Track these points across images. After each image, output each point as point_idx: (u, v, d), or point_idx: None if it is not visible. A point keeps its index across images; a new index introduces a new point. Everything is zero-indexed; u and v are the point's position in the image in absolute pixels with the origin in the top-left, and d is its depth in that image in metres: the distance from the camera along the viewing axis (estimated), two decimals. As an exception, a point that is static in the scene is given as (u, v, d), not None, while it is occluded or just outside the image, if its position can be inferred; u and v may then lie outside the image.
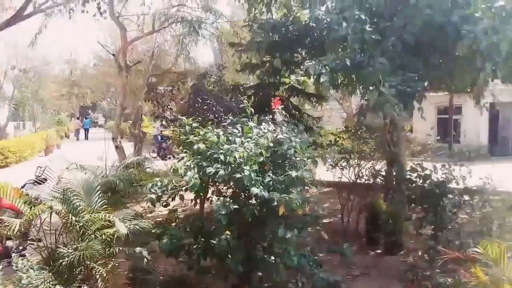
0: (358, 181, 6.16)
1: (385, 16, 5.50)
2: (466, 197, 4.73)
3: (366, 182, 6.10)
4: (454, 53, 4.71)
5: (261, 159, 3.68)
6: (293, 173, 3.45)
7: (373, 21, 5.43)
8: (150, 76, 10.32)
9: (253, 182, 3.40)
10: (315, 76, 4.74)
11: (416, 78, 4.81)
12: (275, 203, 3.28)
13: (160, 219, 5.20)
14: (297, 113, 7.42)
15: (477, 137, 15.23)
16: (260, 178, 3.52)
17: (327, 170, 6.06)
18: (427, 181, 4.71)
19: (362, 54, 4.90)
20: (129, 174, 5.03)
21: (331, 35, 5.06)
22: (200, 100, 6.47)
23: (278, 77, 6.76)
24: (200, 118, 5.90)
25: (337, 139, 6.13)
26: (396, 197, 5.12)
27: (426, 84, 6.18)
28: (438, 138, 16.82)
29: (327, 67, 4.76)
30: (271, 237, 3.47)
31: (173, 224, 4.32)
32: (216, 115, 6.06)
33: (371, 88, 4.62)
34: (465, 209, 4.74)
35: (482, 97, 8.29)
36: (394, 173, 5.46)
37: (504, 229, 5.54)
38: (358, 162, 6.01)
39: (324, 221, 7.46)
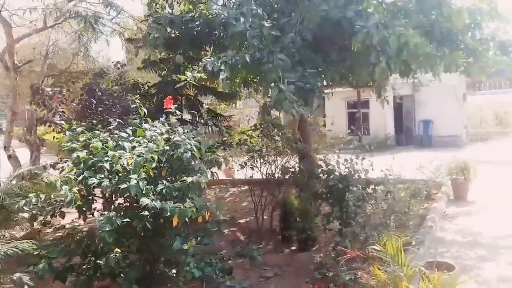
0: (272, 178, 6.08)
1: (285, 12, 5.46)
2: (370, 190, 4.82)
3: (279, 178, 6.05)
4: (352, 49, 4.79)
5: (154, 164, 3.34)
6: (188, 179, 3.17)
7: (273, 17, 5.37)
8: (46, 77, 9.35)
9: (143, 192, 3.06)
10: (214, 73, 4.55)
11: (315, 74, 4.81)
12: (168, 213, 2.98)
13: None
14: (209, 113, 7.16)
15: (384, 128, 16.25)
16: (152, 186, 3.19)
17: (237, 170, 5.89)
18: (331, 176, 4.71)
19: (262, 50, 4.80)
20: (20, 187, 4.41)
21: (229, 31, 4.89)
22: (95, 101, 5.90)
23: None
24: (94, 121, 5.42)
25: (246, 137, 5.98)
26: (303, 193, 5.08)
27: (328, 80, 6.30)
28: (349, 131, 17.67)
29: (226, 64, 4.59)
30: (168, 250, 3.16)
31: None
32: (115, 117, 5.56)
33: (272, 85, 4.55)
34: (370, 202, 4.85)
35: (383, 91, 8.74)
36: (302, 169, 5.43)
37: (408, 218, 5.82)
38: (269, 159, 5.91)
39: (241, 221, 7.34)
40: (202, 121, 6.63)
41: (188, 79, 4.09)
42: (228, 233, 6.61)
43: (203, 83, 6.93)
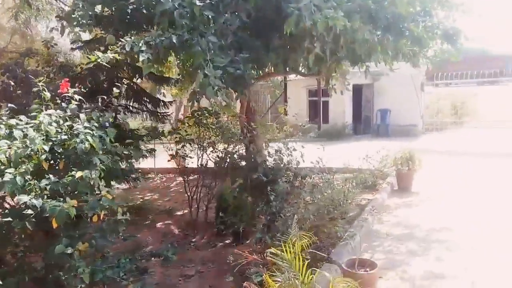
0: (206, 168, 5.78)
1: (219, -10, 5.10)
2: (298, 182, 4.61)
3: (215, 169, 5.76)
4: (285, 33, 4.50)
5: (44, 156, 2.96)
6: (78, 173, 2.82)
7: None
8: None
9: (23, 188, 2.69)
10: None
11: (248, 59, 4.51)
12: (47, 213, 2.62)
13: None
14: (145, 97, 6.73)
15: (343, 117, 16.24)
16: (37, 182, 2.81)
17: (168, 161, 5.55)
18: (262, 167, 4.46)
19: (192, 32, 4.45)
20: None
21: (156, 9, 4.49)
22: (14, 84, 5.36)
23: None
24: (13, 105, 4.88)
25: (181, 126, 5.64)
26: (232, 185, 4.82)
27: (270, 66, 6.02)
28: (308, 119, 17.61)
29: (149, 44, 4.21)
30: (51, 254, 2.81)
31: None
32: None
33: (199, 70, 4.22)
34: (301, 194, 4.65)
35: (334, 80, 8.56)
36: (230, 159, 5.14)
37: (345, 210, 5.69)
38: (204, 149, 5.61)
39: (179, 212, 7.03)
40: (134, 106, 6.21)
41: (99, 60, 3.70)
42: (162, 226, 6.34)
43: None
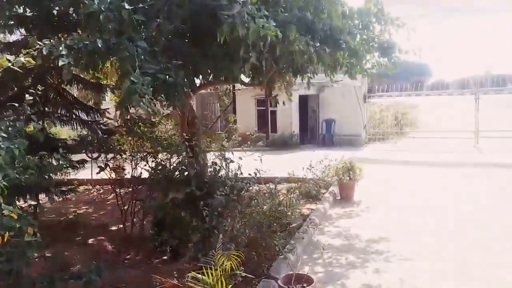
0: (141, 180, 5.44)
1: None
2: (235, 194, 4.42)
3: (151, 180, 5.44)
4: (219, 41, 4.34)
5: None
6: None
7: (138, -1, 4.74)
8: None
9: None
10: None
11: (181, 66, 4.29)
12: None
13: None
14: (76, 105, 6.28)
15: (290, 127, 16.36)
16: None
17: (97, 173, 5.17)
18: (194, 180, 4.22)
19: (120, 36, 4.16)
20: None
21: (81, 11, 4.17)
22: None
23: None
24: None
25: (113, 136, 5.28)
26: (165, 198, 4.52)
27: (207, 75, 5.85)
28: (257, 129, 17.59)
29: (72, 49, 3.87)
30: None
31: None
32: None
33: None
34: (237, 207, 4.46)
35: (279, 90, 8.54)
36: (161, 171, 4.84)
37: (285, 222, 5.57)
38: (138, 159, 5.27)
39: (113, 228, 6.60)
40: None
41: (10, 65, 3.32)
42: (95, 242, 5.91)
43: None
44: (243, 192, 4.57)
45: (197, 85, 6.60)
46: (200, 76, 6.00)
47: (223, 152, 7.67)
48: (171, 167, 4.64)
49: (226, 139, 10.20)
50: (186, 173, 4.37)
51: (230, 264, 2.65)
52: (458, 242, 5.27)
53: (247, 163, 5.45)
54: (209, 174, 4.45)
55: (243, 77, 6.66)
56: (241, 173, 4.82)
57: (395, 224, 6.09)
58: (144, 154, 5.16)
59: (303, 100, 16.96)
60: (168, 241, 4.93)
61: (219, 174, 4.60)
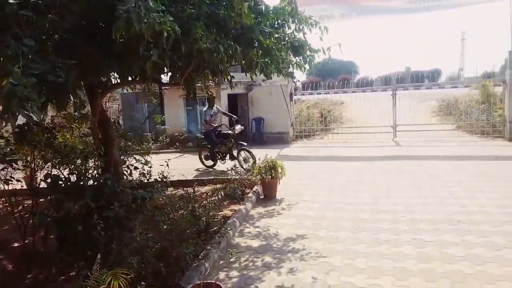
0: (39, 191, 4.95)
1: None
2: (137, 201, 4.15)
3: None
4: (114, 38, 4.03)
5: None
6: None
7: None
8: None
9: None
10: None
11: (71, 66, 3.92)
12: None
13: None
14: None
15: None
16: None
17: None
18: (89, 191, 3.87)
19: (3, 33, 3.72)
20: None
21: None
22: None
23: None
24: None
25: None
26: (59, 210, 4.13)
27: (109, 74, 5.50)
28: (187, 129, 17.20)
29: None
30: None
31: None
32: None
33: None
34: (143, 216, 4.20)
35: (204, 90, 8.32)
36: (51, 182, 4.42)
37: (203, 225, 5.38)
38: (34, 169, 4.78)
39: (15, 244, 5.99)
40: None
41: None
42: None
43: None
44: (147, 200, 4.30)
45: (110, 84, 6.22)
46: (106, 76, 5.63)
47: (143, 156, 7.33)
48: (68, 176, 4.25)
49: (152, 141, 9.76)
50: (82, 183, 4.01)
51: (118, 283, 2.42)
52: (372, 235, 5.44)
53: (174, 165, 5.16)
54: (121, 181, 4.12)
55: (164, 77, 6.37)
56: (148, 179, 4.54)
57: (313, 221, 6.17)
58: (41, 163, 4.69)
59: (233, 99, 16.87)
60: (71, 256, 4.54)
61: (128, 181, 4.28)
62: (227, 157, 10.98)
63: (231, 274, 4.48)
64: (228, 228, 5.55)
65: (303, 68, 6.17)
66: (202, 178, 9.45)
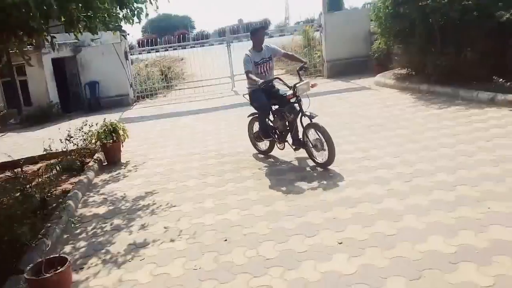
0: None
1: None
2: None
3: None
4: None
5: None
6: None
7: None
8: None
9: None
10: None
11: None
12: None
13: None
14: None
15: (47, 96, 14.42)
16: None
17: None
18: None
19: None
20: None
21: None
22: None
23: None
24: None
25: None
26: None
27: None
28: (4, 104, 14.87)
29: None
30: None
31: None
32: None
33: None
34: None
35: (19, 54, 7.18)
36: None
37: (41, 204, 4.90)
38: None
39: None
40: None
41: None
42: None
43: None
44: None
45: None
46: None
47: None
48: None
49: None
50: None
51: None
52: (218, 177, 5.75)
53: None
54: None
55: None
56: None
57: (162, 176, 6.20)
58: None
59: (59, 64, 15.07)
60: None
61: None
62: (290, 138, 6.11)
63: (78, 245, 4.26)
64: (68, 201, 5.18)
65: (131, 21, 5.83)
66: (32, 155, 8.43)
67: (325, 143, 5.31)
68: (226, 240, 3.91)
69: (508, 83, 8.06)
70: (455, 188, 4.35)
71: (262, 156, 6.52)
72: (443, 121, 7.06)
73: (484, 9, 8.52)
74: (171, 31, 52.13)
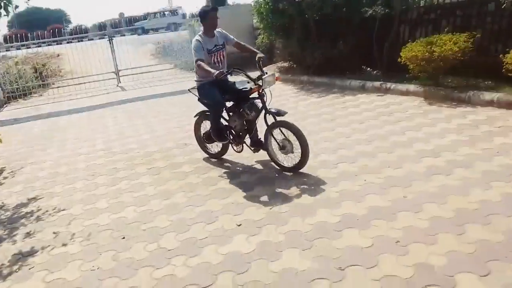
0: None
1: None
2: None
3: None
4: None
5: None
6: None
7: None
8: None
9: None
10: None
11: None
12: None
13: None
14: None
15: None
16: None
17: None
18: None
19: None
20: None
21: None
22: None
23: None
24: None
25: None
26: None
27: None
28: None
29: None
30: None
31: None
32: None
33: None
34: None
35: None
36: None
37: None
38: None
39: None
40: None
41: None
42: None
43: None
44: None
45: None
46: None
47: None
48: None
49: None
50: None
51: None
52: (110, 176, 5.51)
53: None
54: None
55: None
56: None
57: (45, 180, 5.70)
58: None
59: None
60: None
61: None
62: (249, 139, 5.27)
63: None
64: None
65: (-1, 14, 5.26)
66: None
67: (296, 144, 4.61)
68: (124, 238, 3.80)
69: (375, 72, 9.18)
70: (337, 166, 4.86)
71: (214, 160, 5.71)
72: (323, 108, 7.75)
73: (351, 6, 9.52)
74: (42, 26, 47.28)
